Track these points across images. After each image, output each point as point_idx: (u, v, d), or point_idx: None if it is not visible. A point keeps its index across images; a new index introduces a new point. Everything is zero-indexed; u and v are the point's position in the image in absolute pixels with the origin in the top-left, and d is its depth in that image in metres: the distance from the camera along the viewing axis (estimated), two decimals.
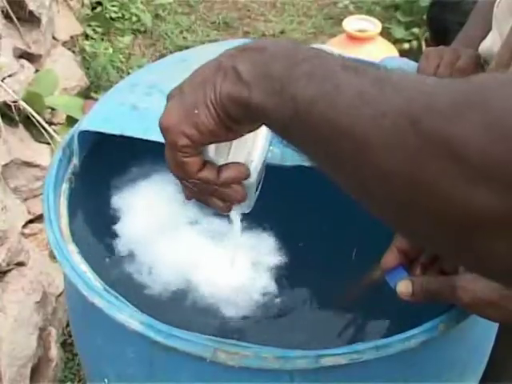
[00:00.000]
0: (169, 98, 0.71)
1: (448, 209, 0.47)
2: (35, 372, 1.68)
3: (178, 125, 0.67)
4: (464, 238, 0.47)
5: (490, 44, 1.08)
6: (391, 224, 0.55)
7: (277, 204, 1.08)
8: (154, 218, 1.08)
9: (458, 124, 0.46)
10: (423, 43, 3.09)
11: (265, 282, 1.05)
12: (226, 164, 0.73)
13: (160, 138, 0.97)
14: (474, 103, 0.46)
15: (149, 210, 1.09)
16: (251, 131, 0.70)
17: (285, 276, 1.08)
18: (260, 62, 0.61)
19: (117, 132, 0.99)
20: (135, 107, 1.03)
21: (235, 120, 0.64)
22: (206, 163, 0.72)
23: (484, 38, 1.12)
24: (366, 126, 0.51)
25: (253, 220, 1.07)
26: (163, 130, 0.69)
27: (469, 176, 0.45)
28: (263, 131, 0.76)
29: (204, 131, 0.66)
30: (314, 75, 0.56)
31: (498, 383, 1.22)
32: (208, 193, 0.74)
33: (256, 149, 0.77)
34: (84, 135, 1.03)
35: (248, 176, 0.75)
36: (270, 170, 1.14)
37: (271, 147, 0.96)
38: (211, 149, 0.72)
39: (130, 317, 0.82)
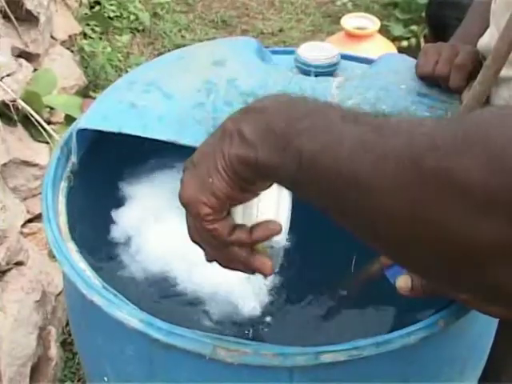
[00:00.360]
0: (184, 171, 0.72)
1: (455, 243, 0.48)
2: (35, 371, 1.68)
3: (196, 196, 0.69)
4: (471, 269, 0.49)
5: (488, 40, 1.08)
6: (400, 261, 0.58)
7: None
8: (153, 216, 1.08)
9: (460, 160, 0.47)
10: (421, 41, 3.09)
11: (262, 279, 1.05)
12: (256, 223, 0.74)
13: (158, 136, 0.98)
14: (475, 140, 0.48)
15: (148, 208, 1.09)
16: (265, 189, 0.71)
17: (283, 272, 1.08)
18: (263, 121, 0.63)
19: (115, 130, 0.99)
20: (133, 105, 1.03)
21: (247, 180, 0.66)
22: (235, 226, 0.72)
23: (482, 34, 1.12)
24: (369, 171, 0.53)
25: None
26: (184, 204, 0.71)
27: (473, 210, 0.47)
28: (284, 191, 0.76)
29: (221, 196, 0.67)
30: (315, 129, 0.59)
31: (498, 380, 1.22)
32: (238, 263, 0.74)
33: (282, 209, 0.76)
34: (82, 133, 1.03)
35: (280, 231, 0.74)
36: None
37: None
38: (238, 215, 0.73)
39: (129, 315, 0.82)
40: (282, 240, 0.75)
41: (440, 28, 2.63)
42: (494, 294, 0.51)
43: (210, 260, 0.76)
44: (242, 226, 0.73)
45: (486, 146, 0.47)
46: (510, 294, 0.49)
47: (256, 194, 0.71)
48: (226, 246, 0.72)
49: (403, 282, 0.82)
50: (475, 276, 0.49)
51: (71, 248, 0.94)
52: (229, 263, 0.75)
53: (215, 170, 0.66)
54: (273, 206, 0.75)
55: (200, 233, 0.72)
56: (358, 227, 0.57)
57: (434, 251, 0.50)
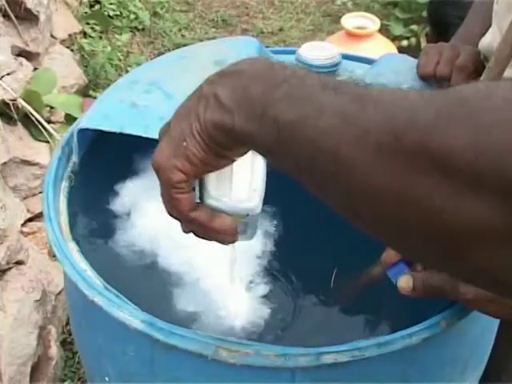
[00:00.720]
0: (160, 135, 0.69)
1: (441, 223, 0.46)
2: (35, 370, 1.68)
3: (169, 160, 0.65)
4: (458, 250, 0.47)
5: (490, 40, 1.08)
6: (383, 240, 0.55)
7: (275, 202, 1.08)
8: (155, 216, 1.08)
9: (444, 137, 0.45)
10: (422, 40, 3.09)
11: (265, 279, 1.05)
12: (221, 215, 0.71)
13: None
14: (459, 116, 0.46)
15: (149, 208, 1.09)
16: (242, 155, 0.68)
17: (285, 273, 1.09)
18: (239, 86, 0.60)
19: (116, 130, 0.99)
20: (134, 105, 1.03)
21: (223, 146, 0.63)
22: (200, 204, 0.70)
23: (484, 34, 1.12)
24: (350, 145, 0.50)
25: None
26: (156, 169, 0.67)
27: (460, 189, 0.45)
28: (258, 156, 0.74)
29: (195, 162, 0.64)
30: (294, 97, 0.56)
31: (498, 380, 1.22)
32: (201, 234, 0.72)
33: (256, 177, 0.75)
34: (83, 133, 1.03)
35: (234, 239, 0.73)
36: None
37: None
38: (212, 186, 0.71)
39: (130, 315, 0.82)
40: (257, 208, 0.73)
41: (442, 26, 2.63)
42: (483, 278, 0.49)
43: (185, 231, 0.73)
44: (205, 207, 0.70)
45: (471, 123, 0.45)
46: (498, 279, 0.47)
47: (231, 161, 0.68)
48: (185, 221, 0.70)
49: (405, 282, 0.82)
50: (462, 259, 0.47)
51: (72, 248, 0.94)
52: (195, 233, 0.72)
53: (190, 134, 0.63)
54: (248, 174, 0.74)
55: (166, 202, 0.69)
56: (338, 203, 0.54)
57: (418, 231, 0.48)
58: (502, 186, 0.43)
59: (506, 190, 0.43)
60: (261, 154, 0.62)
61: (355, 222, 0.54)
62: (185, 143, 0.64)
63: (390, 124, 0.49)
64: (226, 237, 0.72)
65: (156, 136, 0.97)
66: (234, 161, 0.68)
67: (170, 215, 0.71)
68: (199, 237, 0.73)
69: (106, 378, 0.95)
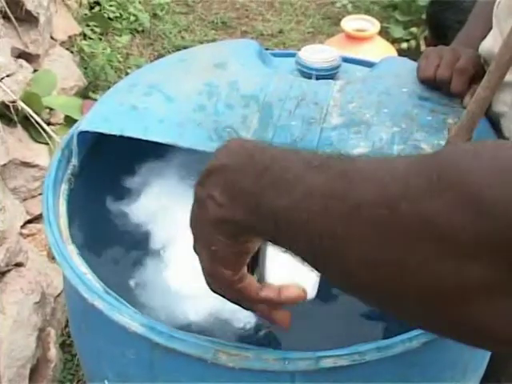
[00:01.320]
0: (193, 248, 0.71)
1: (439, 288, 0.47)
2: (34, 373, 1.67)
3: (213, 267, 0.68)
4: (459, 312, 0.48)
5: (491, 44, 1.08)
6: (384, 309, 0.56)
7: None
8: (154, 219, 1.08)
9: (438, 204, 0.46)
10: (421, 43, 3.09)
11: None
12: (287, 285, 0.74)
13: (159, 139, 0.98)
14: (450, 183, 0.46)
15: (149, 211, 1.09)
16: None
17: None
18: (227, 182, 0.62)
19: (116, 132, 0.99)
20: (134, 107, 1.03)
21: (239, 236, 0.65)
22: (262, 284, 0.73)
23: (484, 37, 1.12)
24: (344, 222, 0.51)
25: None
26: (208, 277, 0.70)
27: (456, 253, 0.46)
28: None
29: (231, 258, 0.67)
30: (280, 183, 0.56)
31: (498, 381, 1.22)
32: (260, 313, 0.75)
33: None
34: (83, 136, 1.03)
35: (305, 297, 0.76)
36: None
37: None
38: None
39: (130, 318, 0.82)
40: (310, 295, 0.78)
41: (441, 30, 2.63)
42: (485, 338, 0.49)
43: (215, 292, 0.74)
44: (269, 284, 0.74)
45: (461, 189, 0.45)
46: (494, 333, 0.48)
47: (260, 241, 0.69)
48: (253, 304, 0.73)
49: None
50: (466, 319, 0.48)
51: (72, 251, 0.93)
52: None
53: (210, 239, 0.65)
54: None
55: (233, 298, 0.72)
56: (339, 277, 0.55)
57: (420, 297, 0.49)
58: (503, 244, 0.44)
59: (506, 248, 0.44)
60: (267, 240, 0.63)
61: (357, 294, 0.55)
62: (213, 247, 0.66)
63: (383, 196, 0.49)
64: (281, 322, 0.76)
65: (156, 139, 0.98)
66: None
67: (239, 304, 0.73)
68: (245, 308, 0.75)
69: (106, 382, 0.95)
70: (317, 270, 0.57)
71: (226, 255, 0.66)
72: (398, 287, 0.49)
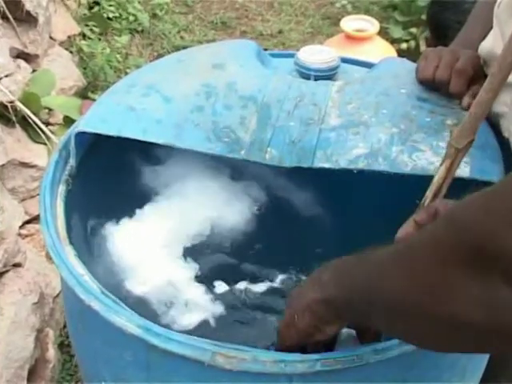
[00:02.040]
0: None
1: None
2: (32, 373, 1.67)
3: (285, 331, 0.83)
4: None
5: (491, 45, 1.07)
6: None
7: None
8: (151, 220, 1.08)
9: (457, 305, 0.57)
10: (421, 43, 3.08)
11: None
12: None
13: (157, 140, 0.98)
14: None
15: (145, 212, 1.08)
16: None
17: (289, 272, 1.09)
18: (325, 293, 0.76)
19: (114, 133, 0.99)
20: (132, 108, 1.02)
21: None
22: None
23: (483, 38, 1.11)
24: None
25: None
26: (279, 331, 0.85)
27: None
28: None
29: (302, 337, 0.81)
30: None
31: (496, 382, 1.21)
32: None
33: None
34: (81, 136, 1.02)
35: None
36: (268, 171, 1.14)
37: (269, 148, 0.96)
38: None
39: (127, 320, 0.81)
40: None
41: (440, 31, 2.62)
42: None
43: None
44: None
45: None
46: None
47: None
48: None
49: None
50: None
51: (69, 252, 0.93)
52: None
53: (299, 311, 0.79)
54: None
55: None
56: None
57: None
58: None
59: None
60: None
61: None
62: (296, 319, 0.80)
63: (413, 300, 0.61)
64: None
65: (154, 140, 0.98)
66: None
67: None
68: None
69: (103, 383, 0.94)
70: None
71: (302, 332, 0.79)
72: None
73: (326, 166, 0.95)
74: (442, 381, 0.91)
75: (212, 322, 1.03)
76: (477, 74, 1.06)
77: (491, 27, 1.09)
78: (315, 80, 1.11)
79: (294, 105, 1.02)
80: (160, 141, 0.98)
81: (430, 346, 0.66)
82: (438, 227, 0.60)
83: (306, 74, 1.12)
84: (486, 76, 0.87)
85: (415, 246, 0.63)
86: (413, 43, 3.11)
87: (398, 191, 1.01)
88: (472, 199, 0.57)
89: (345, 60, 1.19)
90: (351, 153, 0.95)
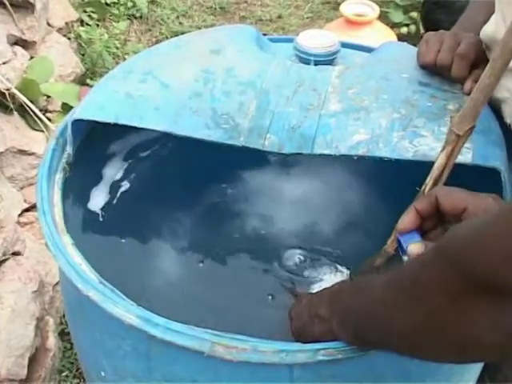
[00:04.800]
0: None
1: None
2: (33, 362, 1.67)
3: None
4: None
5: (493, 29, 1.06)
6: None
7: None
8: (150, 208, 1.07)
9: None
10: (421, 27, 3.06)
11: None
12: None
13: (155, 127, 0.97)
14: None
15: (144, 199, 1.07)
16: None
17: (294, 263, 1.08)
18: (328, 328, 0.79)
19: (111, 120, 0.97)
20: (130, 95, 1.01)
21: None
22: None
23: (485, 22, 1.10)
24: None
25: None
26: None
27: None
28: None
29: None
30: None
31: (493, 380, 1.21)
32: None
33: None
34: (78, 124, 1.01)
35: None
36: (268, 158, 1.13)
37: (268, 135, 0.95)
38: None
39: (126, 310, 0.80)
40: None
41: (434, 30, 2.61)
42: None
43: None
44: None
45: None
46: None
47: None
48: None
49: (416, 248, 0.80)
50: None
51: (67, 241, 0.92)
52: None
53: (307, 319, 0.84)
54: None
55: None
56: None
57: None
58: None
59: None
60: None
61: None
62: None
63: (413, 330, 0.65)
64: None
65: (151, 127, 0.96)
66: None
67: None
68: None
69: (102, 373, 0.94)
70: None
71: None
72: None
73: (326, 152, 0.93)
74: (443, 372, 0.90)
75: None
76: (479, 58, 1.05)
77: (493, 11, 1.08)
78: (315, 65, 1.10)
79: (294, 90, 1.01)
80: (158, 128, 0.97)
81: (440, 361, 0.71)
82: (440, 265, 0.60)
83: (305, 59, 1.11)
84: (487, 60, 0.86)
85: (420, 284, 0.63)
86: (413, 27, 3.09)
87: (399, 177, 1.00)
88: (469, 233, 0.58)
89: (345, 45, 1.18)
90: (352, 139, 0.94)
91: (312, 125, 0.96)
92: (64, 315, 1.85)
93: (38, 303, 1.70)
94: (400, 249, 0.84)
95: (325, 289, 0.87)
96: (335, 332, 0.77)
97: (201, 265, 1.08)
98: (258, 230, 1.14)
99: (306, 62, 1.10)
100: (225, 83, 1.02)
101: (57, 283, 1.84)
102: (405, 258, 0.82)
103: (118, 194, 1.10)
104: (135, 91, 1.01)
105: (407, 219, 0.82)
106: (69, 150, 1.04)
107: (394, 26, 3.05)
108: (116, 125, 0.97)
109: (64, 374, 1.77)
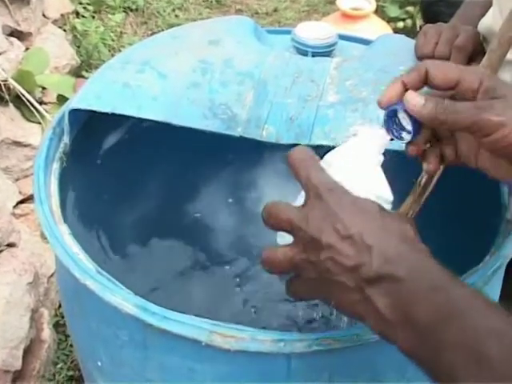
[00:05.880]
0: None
1: None
2: (27, 353, 1.66)
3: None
4: None
5: (490, 22, 1.06)
6: None
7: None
8: (145, 197, 1.07)
9: None
10: (418, 22, 3.06)
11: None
12: None
13: (152, 117, 0.96)
14: None
15: (140, 189, 1.07)
16: None
17: None
18: (400, 300, 0.60)
19: (108, 110, 0.97)
20: (127, 85, 1.01)
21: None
22: None
23: (483, 15, 1.10)
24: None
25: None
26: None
27: None
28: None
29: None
30: (462, 346, 0.57)
31: None
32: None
33: None
34: (75, 113, 1.01)
35: None
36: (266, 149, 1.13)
37: (266, 125, 0.95)
38: None
39: (123, 299, 0.80)
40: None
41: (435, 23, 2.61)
42: None
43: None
44: None
45: None
46: None
47: None
48: None
49: (414, 97, 0.70)
50: None
51: (64, 231, 0.92)
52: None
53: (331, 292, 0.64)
54: None
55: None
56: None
57: None
58: None
59: None
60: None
61: None
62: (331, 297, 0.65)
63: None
64: None
65: (148, 117, 0.96)
66: None
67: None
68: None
69: (99, 363, 0.93)
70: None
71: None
72: None
73: (324, 143, 0.93)
74: None
75: None
76: (477, 50, 1.05)
77: (491, 4, 1.08)
78: (313, 56, 1.09)
79: (292, 81, 1.01)
80: (155, 118, 0.96)
81: None
82: None
83: (303, 50, 1.10)
84: (485, 53, 0.86)
85: None
86: (409, 22, 3.09)
87: (396, 168, 1.00)
88: None
89: (342, 37, 1.18)
90: (349, 130, 0.94)
91: (310, 116, 0.96)
92: (59, 307, 1.85)
93: (32, 295, 1.70)
94: (391, 131, 0.74)
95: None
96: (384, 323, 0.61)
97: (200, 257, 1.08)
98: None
99: (304, 53, 1.10)
100: (223, 74, 1.02)
101: (52, 275, 1.84)
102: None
103: (115, 184, 1.09)
104: (133, 81, 1.01)
105: (392, 90, 0.72)
106: (66, 139, 1.03)
107: (390, 20, 3.05)
108: (113, 115, 0.97)
109: (59, 365, 1.77)
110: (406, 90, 0.71)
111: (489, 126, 0.67)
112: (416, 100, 0.70)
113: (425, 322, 0.58)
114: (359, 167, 0.70)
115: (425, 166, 0.77)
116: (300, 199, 0.68)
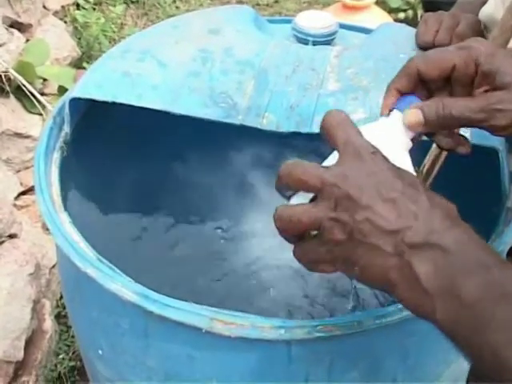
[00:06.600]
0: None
1: None
2: (29, 344, 1.67)
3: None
4: None
5: (491, 10, 1.06)
6: None
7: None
8: (146, 186, 1.07)
9: None
10: (419, 13, 3.06)
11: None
12: None
13: (152, 105, 0.96)
14: None
15: (141, 178, 1.07)
16: None
17: None
18: (444, 270, 0.57)
19: (109, 99, 0.97)
20: (127, 74, 1.00)
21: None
22: None
23: (484, 3, 1.10)
24: None
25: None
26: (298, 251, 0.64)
27: None
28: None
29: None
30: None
31: None
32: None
33: None
34: (75, 103, 1.01)
35: None
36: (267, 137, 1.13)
37: (266, 114, 0.94)
38: None
39: (124, 287, 0.80)
40: None
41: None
42: None
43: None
44: None
45: None
46: None
47: None
48: None
49: (413, 116, 0.69)
50: None
51: (64, 220, 0.92)
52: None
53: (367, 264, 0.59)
54: None
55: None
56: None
57: None
58: None
59: None
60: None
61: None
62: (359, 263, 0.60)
63: None
64: None
65: (149, 106, 0.96)
66: None
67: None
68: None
69: (100, 352, 0.94)
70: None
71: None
72: None
73: None
74: (442, 349, 0.90)
75: None
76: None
77: None
78: (313, 45, 1.09)
79: (292, 70, 1.01)
80: (156, 106, 0.96)
81: None
82: None
83: (303, 39, 1.10)
84: None
85: None
86: (411, 13, 3.09)
87: None
88: None
89: (343, 26, 1.18)
90: (350, 118, 0.94)
91: (310, 104, 0.96)
92: (60, 298, 1.86)
93: (34, 286, 1.70)
94: None
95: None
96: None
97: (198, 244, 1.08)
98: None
99: (305, 42, 1.10)
100: (223, 62, 1.02)
101: (53, 266, 1.84)
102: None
103: (115, 173, 1.09)
104: (133, 70, 1.01)
105: (388, 100, 0.71)
106: (66, 128, 1.03)
107: (391, 11, 3.04)
108: (114, 103, 0.97)
109: (60, 356, 1.77)
110: (401, 93, 0.70)
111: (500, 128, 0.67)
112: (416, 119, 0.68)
113: (474, 297, 0.55)
114: (387, 148, 0.66)
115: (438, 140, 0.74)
116: (331, 160, 0.65)
